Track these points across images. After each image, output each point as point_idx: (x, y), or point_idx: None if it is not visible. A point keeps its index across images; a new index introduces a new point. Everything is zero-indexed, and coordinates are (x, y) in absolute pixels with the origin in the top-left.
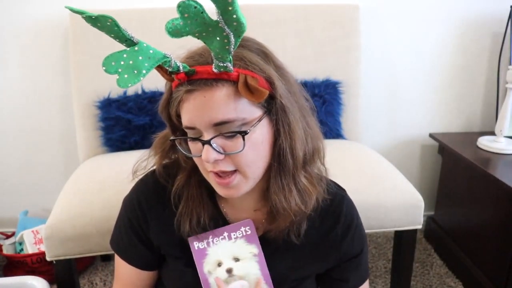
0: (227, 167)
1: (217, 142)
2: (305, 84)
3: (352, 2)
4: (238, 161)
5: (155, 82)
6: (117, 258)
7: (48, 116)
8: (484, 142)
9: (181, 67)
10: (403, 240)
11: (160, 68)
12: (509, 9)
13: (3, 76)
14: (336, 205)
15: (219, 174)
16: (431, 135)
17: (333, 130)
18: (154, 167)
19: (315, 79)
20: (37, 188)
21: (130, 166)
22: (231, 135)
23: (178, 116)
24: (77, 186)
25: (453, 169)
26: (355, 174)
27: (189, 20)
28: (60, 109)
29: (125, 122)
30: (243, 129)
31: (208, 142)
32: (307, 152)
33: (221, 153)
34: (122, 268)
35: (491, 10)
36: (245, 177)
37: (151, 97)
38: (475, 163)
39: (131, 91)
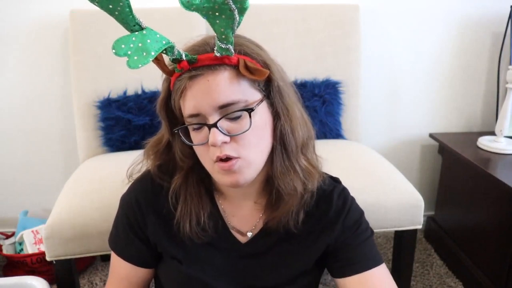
0: (232, 151)
1: (222, 125)
2: (305, 84)
3: (352, 2)
4: (242, 144)
5: (155, 82)
6: (113, 256)
7: (48, 116)
8: (484, 142)
9: (183, 55)
10: (403, 240)
11: (159, 62)
12: (509, 9)
13: (3, 76)
14: (329, 193)
15: (223, 159)
16: (431, 135)
17: (333, 130)
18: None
19: (315, 79)
20: (37, 188)
21: None
22: (237, 116)
23: (179, 110)
24: (77, 186)
25: (453, 169)
26: (355, 174)
27: None
28: (60, 109)
29: (125, 122)
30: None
31: (214, 125)
32: (305, 135)
33: (227, 135)
34: (118, 265)
35: (491, 10)
36: (247, 162)
37: (151, 97)
38: (475, 163)
39: (131, 91)
